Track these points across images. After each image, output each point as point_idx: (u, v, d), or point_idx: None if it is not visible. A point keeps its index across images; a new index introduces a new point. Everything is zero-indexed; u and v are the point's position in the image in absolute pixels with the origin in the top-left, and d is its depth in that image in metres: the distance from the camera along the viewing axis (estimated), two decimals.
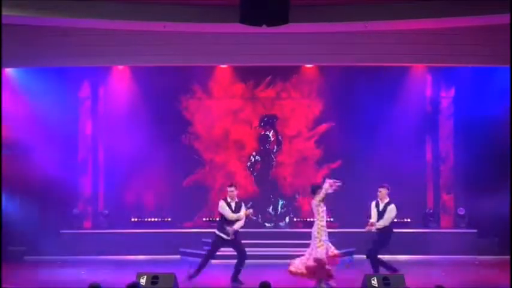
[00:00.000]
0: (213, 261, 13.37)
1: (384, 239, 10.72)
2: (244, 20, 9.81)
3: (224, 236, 10.83)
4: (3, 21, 10.73)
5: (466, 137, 14.51)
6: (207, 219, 14.95)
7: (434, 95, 15.20)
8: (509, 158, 12.81)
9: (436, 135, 15.16)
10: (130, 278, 8.87)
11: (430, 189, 15.13)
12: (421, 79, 15.01)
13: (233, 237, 10.82)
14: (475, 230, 14.19)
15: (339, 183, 10.24)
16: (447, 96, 15.12)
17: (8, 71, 13.63)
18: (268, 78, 15.20)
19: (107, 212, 14.79)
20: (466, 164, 14.57)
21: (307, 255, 10.21)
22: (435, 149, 15.15)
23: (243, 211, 10.92)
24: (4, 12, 10.41)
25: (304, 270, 10.10)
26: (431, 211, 14.91)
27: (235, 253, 13.17)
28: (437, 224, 14.83)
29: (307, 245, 13.54)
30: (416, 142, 14.99)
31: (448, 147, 15.07)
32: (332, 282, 10.11)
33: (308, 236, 13.81)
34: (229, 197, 11.03)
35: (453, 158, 14.98)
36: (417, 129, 14.90)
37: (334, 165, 14.98)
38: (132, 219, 14.92)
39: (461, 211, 14.56)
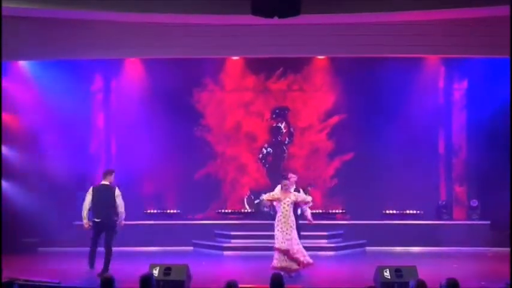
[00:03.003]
0: (225, 252, 13.50)
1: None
2: (255, 12, 9.79)
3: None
4: (16, 13, 10.78)
5: (479, 129, 14.43)
6: (219, 211, 15.00)
7: (447, 87, 15.12)
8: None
9: (449, 127, 15.11)
10: (143, 269, 8.92)
11: (443, 181, 15.08)
12: (434, 71, 14.94)
13: None
14: (487, 222, 14.13)
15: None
16: (460, 88, 15.05)
17: (21, 64, 13.71)
18: (280, 70, 15.19)
19: None
20: (479, 156, 14.50)
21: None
22: (448, 141, 15.09)
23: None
24: (16, 5, 10.44)
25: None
26: (444, 203, 14.86)
27: (246, 245, 13.31)
28: (450, 216, 14.78)
29: (318, 237, 13.65)
30: (429, 134, 14.94)
31: (461, 139, 15.02)
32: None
33: (319, 227, 13.93)
34: (111, 181, 11.05)
35: (466, 150, 14.92)
36: (430, 121, 14.84)
37: (346, 158, 14.96)
38: (145, 211, 14.98)
39: (474, 203, 14.51)
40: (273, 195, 10.59)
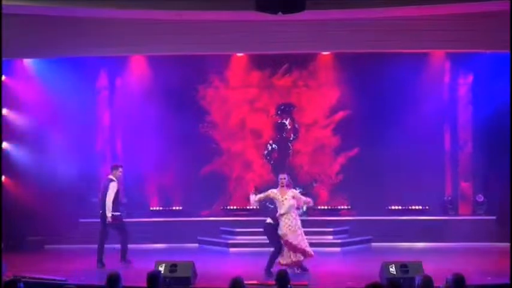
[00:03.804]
0: (231, 249, 13.52)
1: None
2: (260, 8, 9.77)
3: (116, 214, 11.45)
4: (20, 11, 10.80)
5: (484, 124, 14.37)
6: (225, 207, 15.01)
7: (453, 82, 15.06)
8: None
9: (455, 122, 15.04)
10: (149, 266, 8.94)
11: (449, 176, 15.02)
12: (439, 66, 14.87)
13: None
14: (493, 217, 14.09)
15: None
16: (465, 83, 14.99)
17: (26, 62, 13.75)
18: (285, 66, 15.16)
19: (125, 201, 14.85)
20: (485, 151, 14.47)
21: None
22: (453, 136, 15.03)
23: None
24: (21, 3, 10.46)
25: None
26: (449, 198, 14.82)
27: (252, 241, 13.33)
28: (455, 212, 14.74)
29: (324, 233, 13.65)
30: (434, 129, 14.88)
31: (467, 134, 14.95)
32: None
33: (325, 224, 13.94)
34: (116, 177, 11.54)
35: (471, 145, 14.86)
36: (435, 116, 14.79)
37: (351, 154, 14.93)
38: (151, 208, 15.00)
39: (480, 198, 14.47)
40: (266, 195, 10.66)
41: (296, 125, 15.31)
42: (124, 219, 11.96)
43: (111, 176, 11.53)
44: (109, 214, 11.30)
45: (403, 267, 9.17)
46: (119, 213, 11.57)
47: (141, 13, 11.45)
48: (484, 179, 14.65)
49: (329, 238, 13.74)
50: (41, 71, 13.73)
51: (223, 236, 14.09)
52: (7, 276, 8.58)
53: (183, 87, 14.88)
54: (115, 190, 11.38)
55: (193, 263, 9.59)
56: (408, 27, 12.15)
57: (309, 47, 13.12)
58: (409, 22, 12.08)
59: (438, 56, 14.70)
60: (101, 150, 15.08)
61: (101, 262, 11.22)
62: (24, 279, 7.16)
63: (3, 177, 13.63)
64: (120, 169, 11.69)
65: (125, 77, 15.21)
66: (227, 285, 6.41)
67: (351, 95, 14.95)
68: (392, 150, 14.31)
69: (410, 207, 14.61)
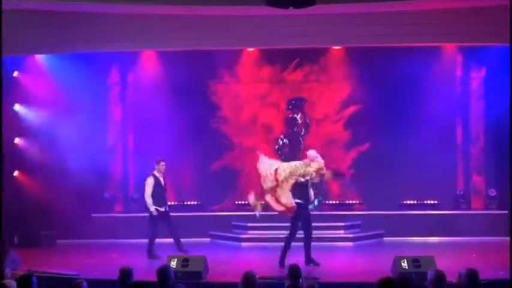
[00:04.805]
0: (243, 244, 13.54)
1: None
2: (270, 3, 9.76)
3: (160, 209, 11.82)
4: (32, 7, 10.83)
5: (496, 117, 14.27)
6: (236, 202, 15.02)
7: (465, 76, 14.98)
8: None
9: (467, 116, 14.97)
10: (161, 261, 8.98)
11: (461, 170, 14.96)
12: (451, 59, 14.80)
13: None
14: (506, 211, 14.00)
15: None
16: (478, 77, 14.90)
17: (38, 58, 13.80)
18: (296, 61, 15.13)
19: (137, 196, 14.91)
20: (497, 144, 14.38)
21: None
22: (465, 130, 14.96)
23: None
24: None
25: None
26: (461, 193, 14.76)
27: (264, 236, 13.34)
28: (468, 206, 14.68)
29: (336, 228, 13.65)
30: (446, 123, 14.82)
31: (479, 128, 14.87)
32: None
33: (337, 218, 13.89)
34: (160, 171, 11.90)
35: (484, 139, 14.79)
36: (447, 110, 14.72)
37: (362, 148, 14.90)
38: None
39: (492, 192, 14.41)
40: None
41: (307, 120, 15.29)
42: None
43: (154, 171, 11.95)
44: (151, 208, 11.71)
45: (415, 261, 9.15)
46: (163, 209, 11.87)
47: (151, 8, 11.47)
48: (496, 173, 14.57)
49: (341, 233, 13.73)
50: (53, 67, 13.78)
51: (235, 230, 14.12)
52: (22, 270, 8.68)
53: (194, 83, 14.89)
54: (151, 185, 11.80)
55: (205, 257, 9.62)
56: (419, 21, 12.06)
57: (320, 41, 13.06)
58: (420, 15, 12.00)
59: (450, 50, 14.62)
60: (112, 146, 15.14)
61: (152, 255, 11.52)
62: (36, 274, 7.21)
63: (16, 173, 13.76)
64: (162, 163, 12.00)
65: (136, 73, 15.27)
66: (239, 279, 6.42)
67: (362, 89, 14.91)
68: (404, 144, 14.26)
69: (422, 202, 14.57)
